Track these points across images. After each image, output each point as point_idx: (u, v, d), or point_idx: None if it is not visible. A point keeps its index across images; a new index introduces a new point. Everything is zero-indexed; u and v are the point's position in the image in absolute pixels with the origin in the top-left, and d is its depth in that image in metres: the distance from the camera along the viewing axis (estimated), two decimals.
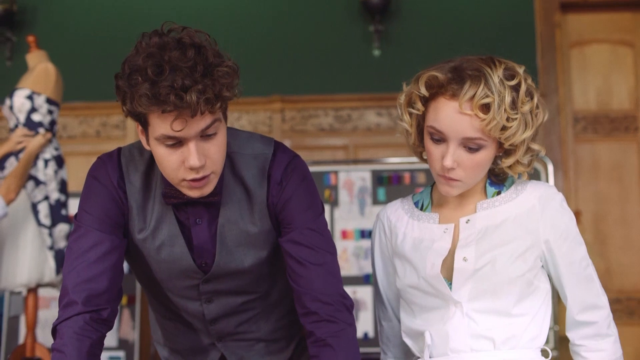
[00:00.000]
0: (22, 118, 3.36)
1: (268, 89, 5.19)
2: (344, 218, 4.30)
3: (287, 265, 1.64)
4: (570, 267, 1.60)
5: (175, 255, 1.62)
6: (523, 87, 1.52)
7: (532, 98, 1.53)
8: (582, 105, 5.23)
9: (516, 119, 1.50)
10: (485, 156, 1.54)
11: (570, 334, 1.64)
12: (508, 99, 1.49)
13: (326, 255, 1.62)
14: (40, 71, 3.41)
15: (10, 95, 3.41)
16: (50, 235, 3.32)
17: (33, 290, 3.39)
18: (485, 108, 1.49)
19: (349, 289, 4.16)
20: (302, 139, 5.22)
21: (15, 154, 3.34)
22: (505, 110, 1.49)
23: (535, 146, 1.56)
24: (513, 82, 1.51)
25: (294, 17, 5.30)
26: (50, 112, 3.41)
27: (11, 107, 3.38)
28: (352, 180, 4.36)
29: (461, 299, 1.56)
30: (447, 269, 1.58)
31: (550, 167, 4.09)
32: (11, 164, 3.33)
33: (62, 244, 3.38)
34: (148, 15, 5.16)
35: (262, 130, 5.19)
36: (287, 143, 5.17)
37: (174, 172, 1.49)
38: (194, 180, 1.48)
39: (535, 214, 1.58)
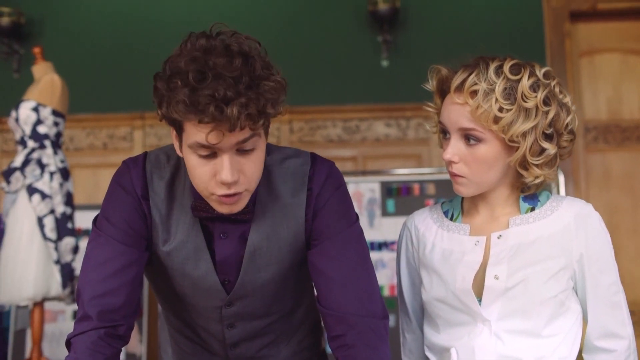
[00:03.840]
0: (27, 130, 3.34)
1: None
2: None
3: (314, 283, 1.55)
4: (597, 289, 1.54)
5: (200, 270, 1.54)
6: (525, 81, 1.46)
7: (537, 93, 1.47)
8: (592, 114, 5.18)
9: (511, 109, 1.45)
10: (487, 152, 1.49)
11: (586, 357, 1.59)
12: (500, 88, 1.45)
13: (357, 269, 1.53)
14: (45, 83, 3.39)
15: (16, 107, 3.40)
16: (56, 249, 3.29)
17: (39, 304, 3.36)
18: (475, 95, 1.46)
19: None
20: (310, 150, 5.18)
21: (21, 168, 3.32)
22: (496, 99, 1.44)
23: (546, 145, 1.48)
24: (514, 75, 1.47)
25: (302, 28, 5.28)
26: (56, 124, 3.39)
27: (17, 119, 3.37)
28: (361, 191, 4.32)
29: (490, 317, 1.51)
30: (477, 285, 1.53)
31: (562, 178, 4.05)
32: (17, 178, 3.31)
33: (68, 257, 3.35)
34: (155, 26, 5.15)
35: (270, 142, 5.15)
36: None
37: (204, 184, 1.40)
38: (225, 196, 1.40)
39: (570, 233, 1.52)
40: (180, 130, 1.39)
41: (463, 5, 5.24)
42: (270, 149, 1.58)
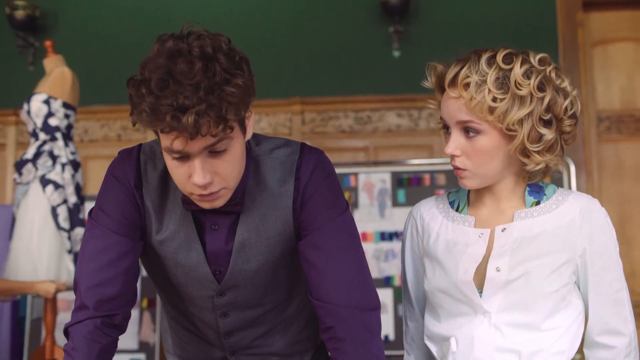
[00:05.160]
0: (39, 122, 3.39)
1: (288, 91, 5.19)
2: (363, 220, 4.27)
3: (305, 273, 1.56)
4: (599, 285, 1.54)
5: (192, 260, 1.56)
6: (518, 69, 1.46)
7: (530, 80, 1.46)
8: (605, 104, 5.15)
9: (504, 98, 1.45)
10: (487, 143, 1.49)
11: (586, 352, 1.59)
12: (492, 78, 1.45)
13: (347, 260, 1.53)
14: (56, 76, 3.43)
15: (28, 99, 3.44)
16: (69, 238, 3.34)
17: None
18: (468, 87, 1.46)
19: None
20: (322, 141, 5.20)
21: (33, 160, 3.36)
22: (489, 90, 1.44)
23: (543, 130, 1.47)
24: (507, 65, 1.47)
25: (314, 19, 5.29)
26: (67, 116, 3.44)
27: (29, 112, 3.41)
28: (372, 182, 4.34)
29: (490, 309, 1.52)
30: (479, 277, 1.53)
31: (573, 168, 4.03)
32: (29, 170, 3.35)
33: (79, 247, 3.39)
34: (168, 18, 5.18)
35: (282, 133, 5.19)
36: None
37: (182, 184, 1.43)
38: (202, 195, 1.42)
39: (575, 228, 1.51)
40: (157, 134, 1.41)
41: None
42: (259, 140, 1.58)
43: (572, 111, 1.52)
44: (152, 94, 1.30)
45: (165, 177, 1.55)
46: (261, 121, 5.21)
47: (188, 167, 1.38)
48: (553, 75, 1.50)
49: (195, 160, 1.37)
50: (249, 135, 1.47)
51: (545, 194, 1.57)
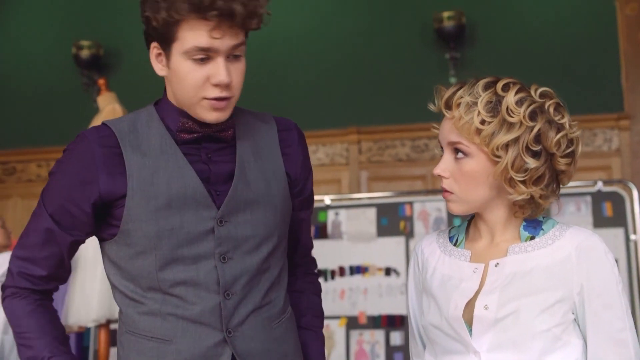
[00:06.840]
0: None
1: (344, 120, 5.20)
2: None
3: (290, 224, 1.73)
4: (598, 324, 1.46)
5: (185, 181, 1.54)
6: (512, 97, 1.44)
7: (522, 108, 1.44)
8: None
9: (492, 122, 1.43)
10: (473, 167, 1.46)
11: None
12: (484, 100, 1.44)
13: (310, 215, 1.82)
14: (107, 112, 3.56)
15: None
16: None
17: (104, 326, 3.48)
18: (459, 107, 1.47)
19: None
20: (379, 170, 5.18)
21: None
22: (479, 112, 1.43)
23: (529, 160, 1.43)
24: (504, 92, 1.45)
25: (369, 48, 5.31)
26: None
27: None
28: (428, 211, 4.27)
29: (480, 349, 1.46)
30: (471, 314, 1.48)
31: (636, 194, 3.86)
32: None
33: None
34: None
35: (339, 162, 5.20)
36: (364, 174, 5.14)
37: (195, 89, 1.50)
38: (216, 99, 1.50)
39: (571, 264, 1.45)
40: (170, 41, 1.50)
41: (531, 17, 5.14)
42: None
43: (568, 150, 1.48)
44: None
45: (135, 123, 1.61)
46: (318, 152, 5.23)
47: (208, 70, 1.48)
48: (551, 109, 1.47)
49: (219, 59, 1.48)
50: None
51: (542, 229, 1.52)
